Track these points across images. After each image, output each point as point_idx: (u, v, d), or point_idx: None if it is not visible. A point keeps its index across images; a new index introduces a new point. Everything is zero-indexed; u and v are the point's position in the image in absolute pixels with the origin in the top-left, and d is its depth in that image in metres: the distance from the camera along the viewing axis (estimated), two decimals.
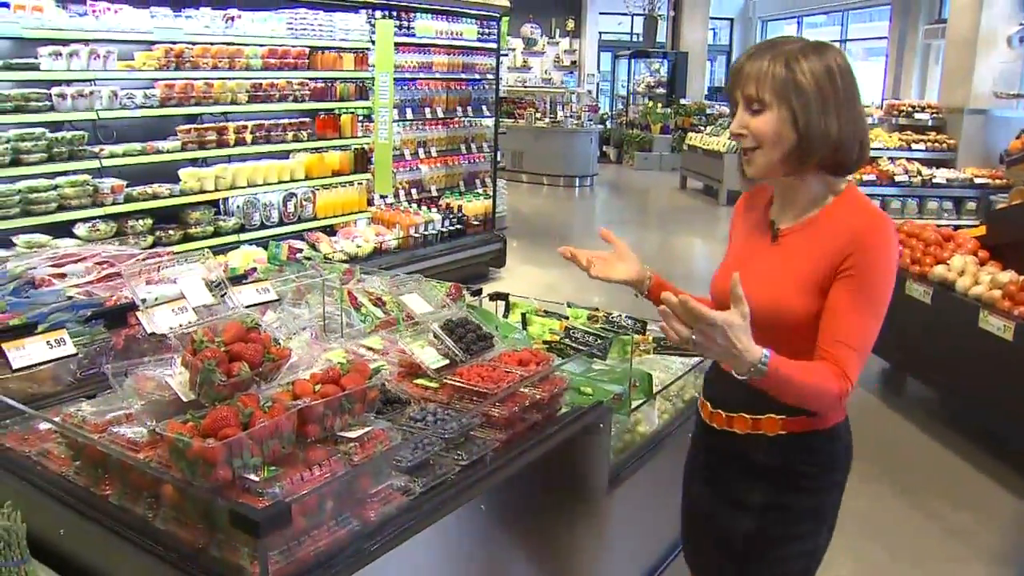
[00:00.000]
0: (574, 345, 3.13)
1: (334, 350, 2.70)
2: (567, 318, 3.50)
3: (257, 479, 1.71)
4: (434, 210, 8.17)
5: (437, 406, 2.32)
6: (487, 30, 8.84)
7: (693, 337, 1.64)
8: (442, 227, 8.00)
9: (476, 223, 8.50)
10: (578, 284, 8.85)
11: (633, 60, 20.20)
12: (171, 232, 5.85)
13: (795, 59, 1.80)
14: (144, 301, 2.43)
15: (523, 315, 3.54)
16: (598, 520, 2.61)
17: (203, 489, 1.70)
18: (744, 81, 1.84)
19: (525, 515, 2.30)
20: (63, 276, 2.85)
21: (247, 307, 2.69)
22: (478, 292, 3.80)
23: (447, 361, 2.47)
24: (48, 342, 2.26)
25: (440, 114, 8.50)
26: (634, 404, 2.90)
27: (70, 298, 2.60)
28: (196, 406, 1.84)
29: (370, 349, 2.72)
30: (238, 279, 2.82)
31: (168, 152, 5.74)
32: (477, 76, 8.97)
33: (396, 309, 3.45)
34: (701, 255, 11.07)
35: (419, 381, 2.44)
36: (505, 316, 3.67)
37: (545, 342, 3.19)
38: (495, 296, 3.75)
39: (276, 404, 1.82)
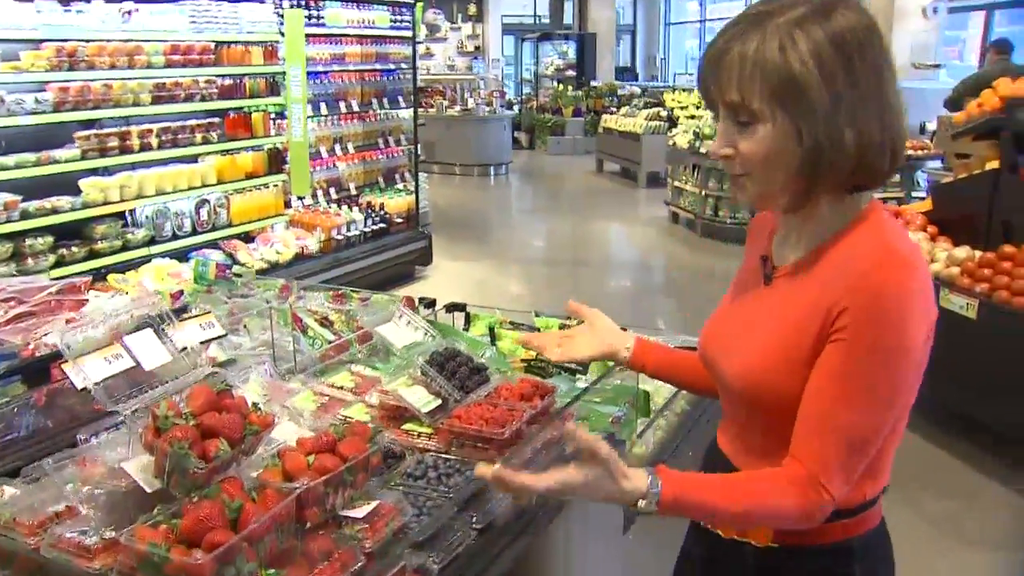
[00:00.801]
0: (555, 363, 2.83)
1: (299, 393, 2.34)
2: (538, 330, 3.20)
3: None
4: (355, 209, 7.75)
5: (435, 457, 2.00)
6: (400, 17, 8.42)
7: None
8: (365, 227, 7.59)
9: (399, 220, 8.11)
10: (508, 280, 8.58)
11: (539, 43, 19.96)
12: (75, 249, 5.29)
13: (790, 37, 1.26)
14: (68, 348, 2.02)
15: (491, 328, 3.22)
16: (617, 567, 2.34)
17: None
18: (724, 80, 1.31)
19: None
20: None
21: (184, 349, 2.30)
22: (431, 304, 3.47)
23: (439, 401, 2.15)
24: None
25: (355, 107, 8.06)
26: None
27: None
28: (162, 496, 1.47)
29: (340, 388, 2.37)
30: (179, 312, 2.42)
31: (66, 161, 5.17)
32: (391, 66, 8.54)
33: (346, 329, 3.10)
34: (620, 239, 10.93)
35: (408, 427, 2.11)
36: (466, 329, 3.35)
37: (523, 360, 2.88)
38: (452, 307, 3.42)
39: (268, 490, 1.46)
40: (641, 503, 1.29)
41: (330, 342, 3.04)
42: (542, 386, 2.26)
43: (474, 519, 1.83)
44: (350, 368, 2.51)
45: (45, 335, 2.17)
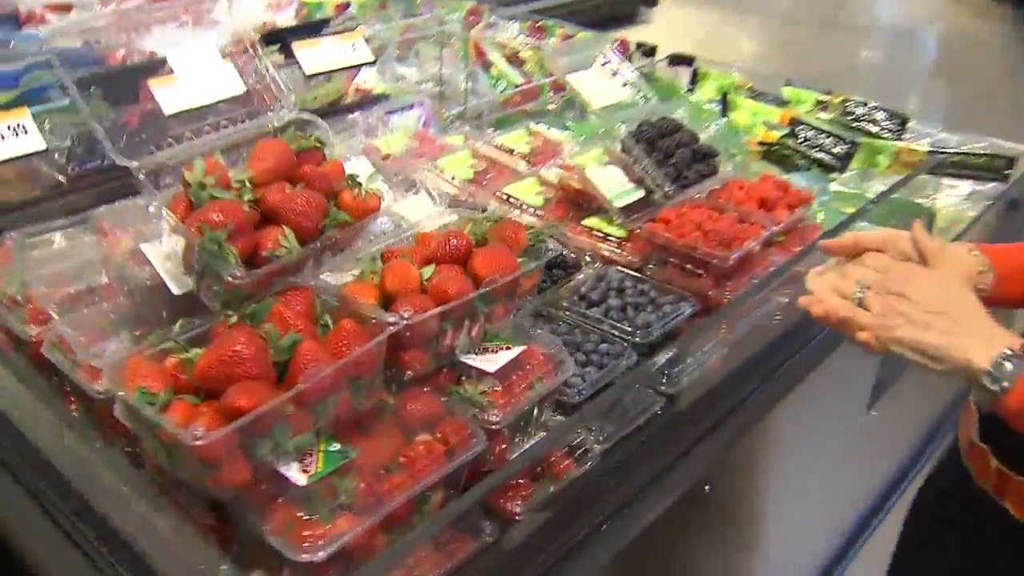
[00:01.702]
0: (804, 151, 2.10)
1: (456, 153, 1.75)
2: (787, 103, 2.41)
3: (304, 478, 0.86)
4: None
5: (623, 275, 1.38)
6: None
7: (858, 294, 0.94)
8: None
9: None
10: (743, 36, 7.44)
11: None
12: None
13: None
14: (164, 61, 1.50)
15: (724, 93, 2.45)
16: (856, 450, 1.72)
17: (193, 495, 0.86)
18: None
19: (764, 484, 1.42)
20: (68, 9, 1.94)
21: (324, 73, 1.75)
22: (651, 52, 2.74)
23: (641, 192, 1.50)
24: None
25: None
26: None
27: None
28: (192, 304, 0.96)
29: (510, 152, 1.75)
30: (317, 26, 1.85)
31: None
32: None
33: (538, 71, 2.47)
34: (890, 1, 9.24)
35: (592, 223, 1.49)
36: (691, 90, 2.61)
37: (762, 144, 2.15)
38: (676, 59, 2.65)
39: (346, 318, 0.91)
40: (985, 377, 0.84)
41: (517, 86, 2.42)
42: (792, 193, 1.55)
43: (664, 380, 1.24)
44: (529, 126, 1.88)
45: (143, 38, 1.66)
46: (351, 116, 1.83)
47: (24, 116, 1.39)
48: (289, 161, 0.99)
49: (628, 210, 1.46)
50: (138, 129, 1.52)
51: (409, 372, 0.98)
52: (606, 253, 1.44)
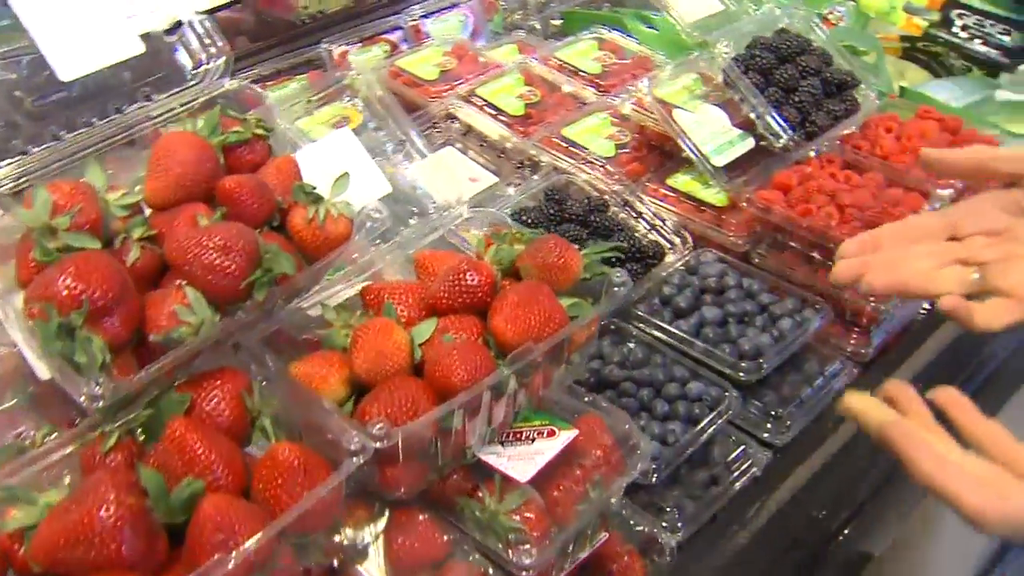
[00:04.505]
0: (961, 45, 1.75)
1: (503, 76, 1.33)
2: None
3: None
4: None
5: (722, 267, 1.00)
6: None
7: None
8: None
9: None
10: None
11: None
12: None
13: None
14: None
15: None
16: None
17: None
18: None
19: None
20: None
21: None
22: None
23: (749, 143, 1.09)
24: None
25: None
26: None
27: None
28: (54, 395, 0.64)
29: (572, 71, 1.33)
30: None
31: None
32: None
33: None
34: None
35: (680, 183, 1.10)
36: None
37: (904, 39, 1.73)
38: None
39: (276, 450, 0.57)
40: None
41: None
42: (968, 135, 1.11)
43: (770, 424, 0.87)
44: (601, 34, 1.43)
45: None
46: (368, 25, 1.43)
47: None
48: (206, 169, 0.63)
49: (732, 169, 1.06)
50: None
51: (392, 492, 0.65)
52: (699, 230, 1.05)
